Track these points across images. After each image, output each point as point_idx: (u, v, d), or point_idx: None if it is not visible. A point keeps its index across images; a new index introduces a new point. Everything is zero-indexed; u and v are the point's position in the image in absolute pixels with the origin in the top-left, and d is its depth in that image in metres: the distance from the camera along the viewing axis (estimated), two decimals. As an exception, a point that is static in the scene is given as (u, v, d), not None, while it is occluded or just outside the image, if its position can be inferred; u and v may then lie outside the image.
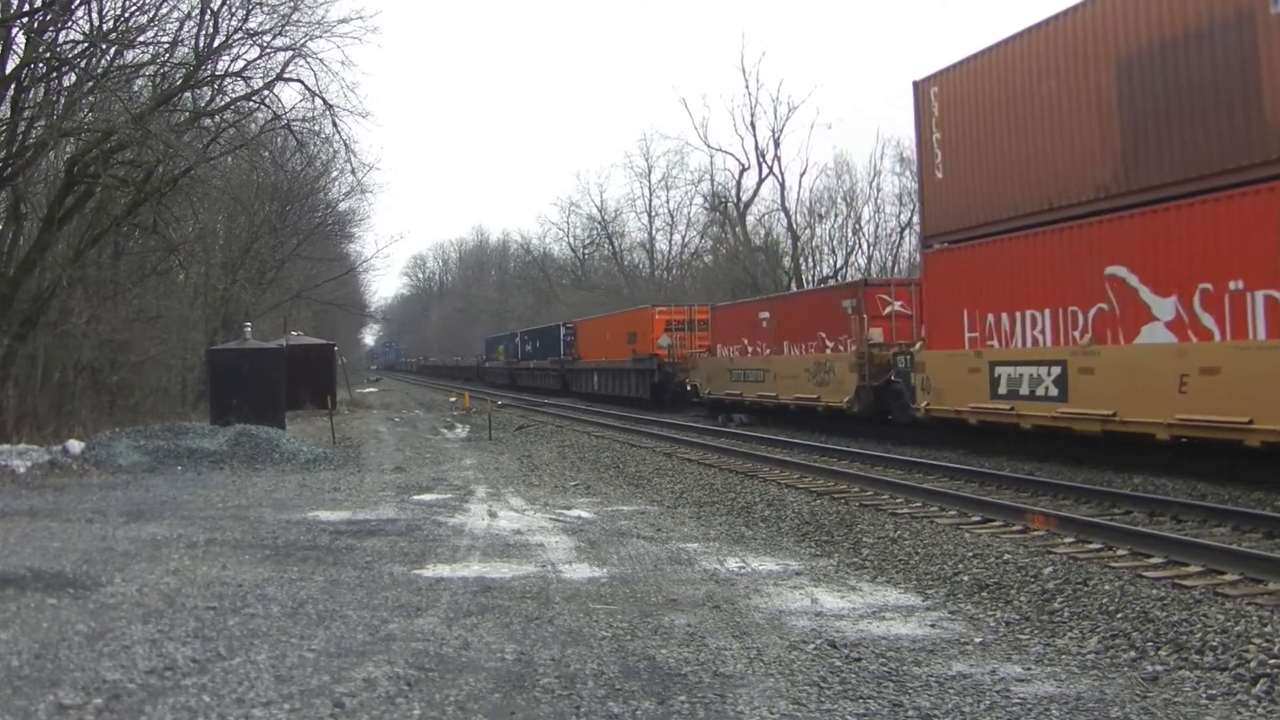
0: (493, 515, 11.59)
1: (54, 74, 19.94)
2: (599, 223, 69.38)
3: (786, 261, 49.26)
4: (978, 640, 6.30)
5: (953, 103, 17.41)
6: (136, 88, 21.44)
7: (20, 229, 21.04)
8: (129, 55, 20.71)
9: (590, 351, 42.19)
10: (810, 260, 48.80)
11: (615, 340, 37.60)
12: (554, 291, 72.91)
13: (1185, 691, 5.32)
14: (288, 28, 21.09)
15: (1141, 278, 13.44)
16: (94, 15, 19.91)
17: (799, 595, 7.54)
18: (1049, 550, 8.91)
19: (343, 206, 44.74)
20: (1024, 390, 15.42)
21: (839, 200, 48.91)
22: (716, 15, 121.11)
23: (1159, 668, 5.72)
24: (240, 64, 21.90)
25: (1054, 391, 14.83)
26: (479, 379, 70.34)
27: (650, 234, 64.94)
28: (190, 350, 29.44)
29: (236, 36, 21.09)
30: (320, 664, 5.72)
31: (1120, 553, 8.77)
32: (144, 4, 19.65)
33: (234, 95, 22.62)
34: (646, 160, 63.26)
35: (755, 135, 52.73)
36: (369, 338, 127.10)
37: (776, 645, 6.14)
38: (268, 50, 21.53)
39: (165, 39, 20.60)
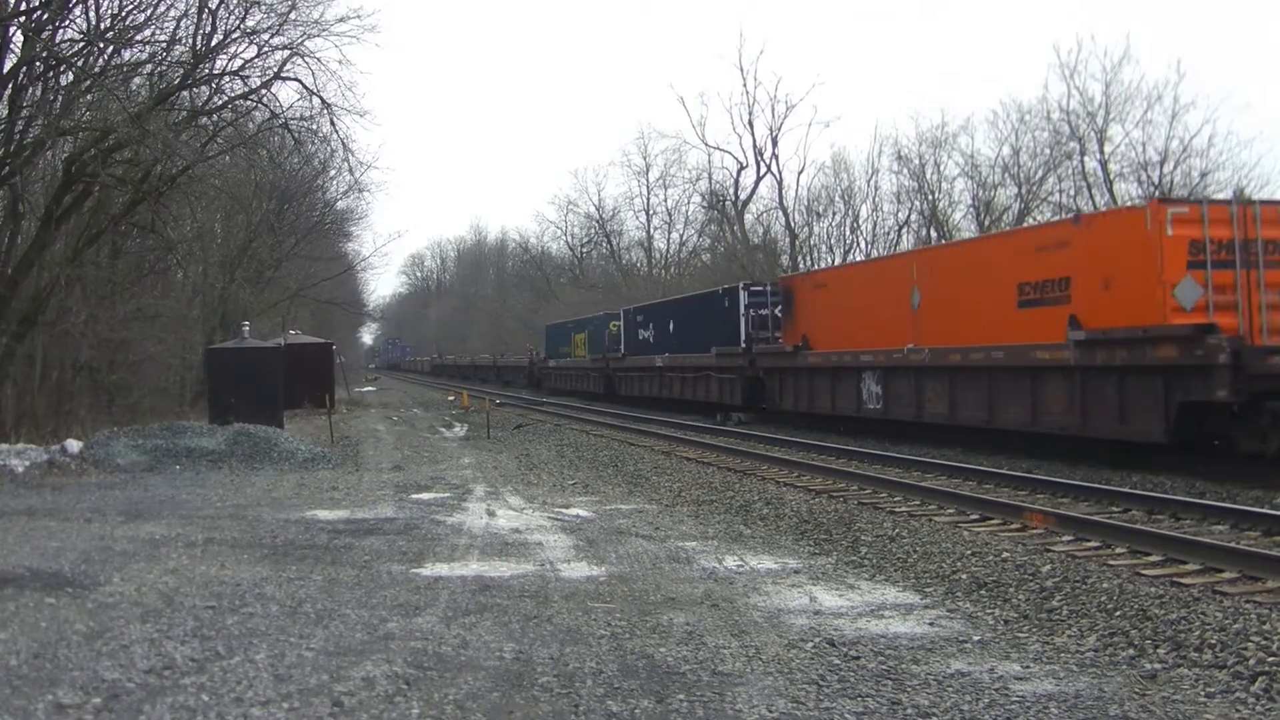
0: (491, 514, 11.59)
1: (51, 72, 19.89)
2: (597, 221, 69.28)
3: (785, 260, 49.22)
4: (976, 638, 6.30)
5: None
6: (134, 86, 21.37)
7: (18, 228, 21.00)
8: (126, 54, 20.66)
9: (836, 334, 21.63)
10: (809, 259, 48.73)
11: (959, 295, 17.69)
12: (552, 290, 72.85)
13: (1183, 689, 5.32)
14: (285, 27, 21.06)
15: None
16: (91, 14, 19.89)
17: (797, 593, 7.54)
18: (1047, 548, 8.91)
19: (341, 205, 44.65)
20: None
21: (837, 198, 48.85)
22: (714, 13, 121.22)
23: (1157, 665, 5.72)
24: (238, 63, 21.85)
25: None
26: (534, 385, 51.94)
27: (648, 232, 64.82)
28: (188, 349, 29.43)
29: (234, 35, 21.04)
30: (319, 663, 5.72)
31: (1119, 551, 8.77)
32: (141, 2, 19.63)
33: (232, 94, 22.57)
34: (644, 159, 62.89)
35: (753, 133, 52.56)
36: (367, 336, 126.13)
37: (775, 643, 6.14)
38: (265, 49, 21.49)
39: (163, 38, 20.56)
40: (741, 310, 26.90)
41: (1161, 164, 36.12)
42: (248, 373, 21.69)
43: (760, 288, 27.59)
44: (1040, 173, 40.42)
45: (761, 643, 6.15)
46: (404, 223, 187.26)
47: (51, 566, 8.48)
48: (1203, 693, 5.26)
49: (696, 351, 29.31)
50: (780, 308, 25.17)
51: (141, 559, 8.85)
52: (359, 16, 22.29)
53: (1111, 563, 8.27)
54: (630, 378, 36.43)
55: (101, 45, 19.65)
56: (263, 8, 20.74)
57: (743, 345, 26.33)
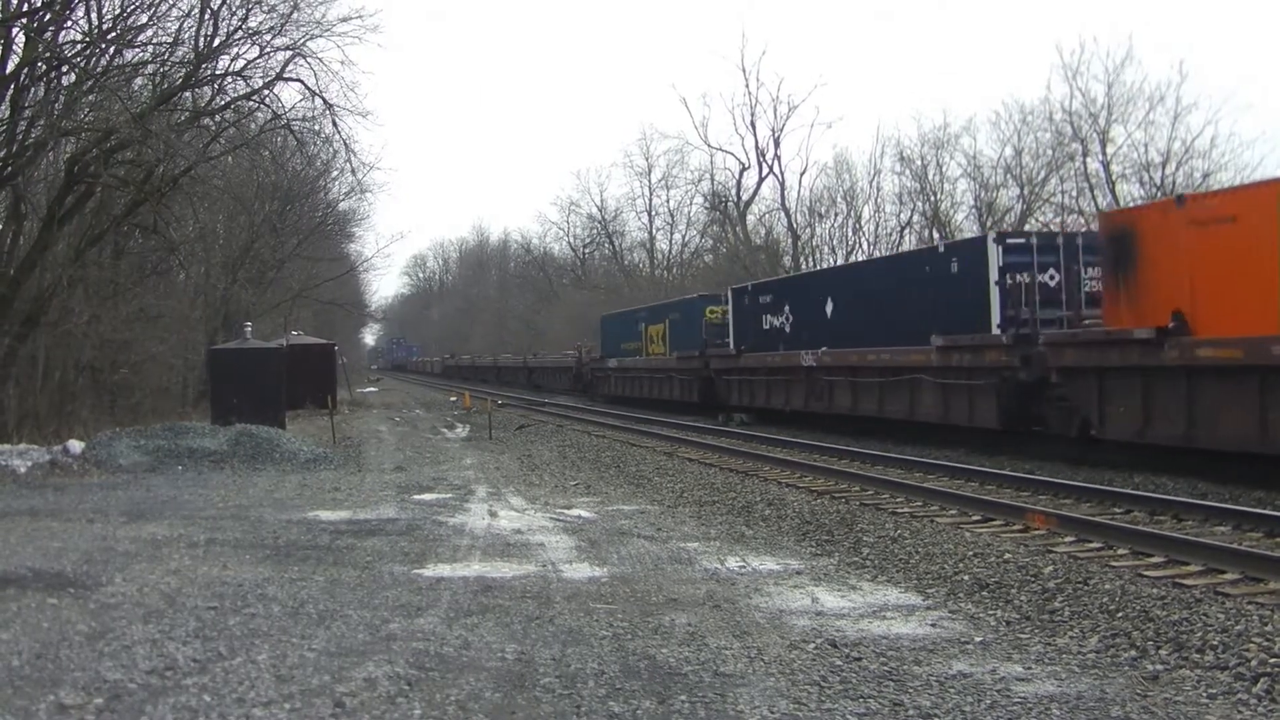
0: (493, 515, 11.59)
1: (54, 73, 19.93)
2: (599, 222, 69.39)
3: (787, 261, 49.23)
4: (978, 639, 6.30)
5: None
6: (136, 87, 21.42)
7: (20, 229, 21.03)
8: (129, 54, 20.70)
9: (1269, 303, 11.52)
10: (811, 260, 48.74)
11: None
12: (554, 291, 72.90)
13: (1186, 690, 5.32)
14: (287, 27, 21.09)
15: None
16: (94, 15, 19.94)
17: (799, 594, 7.54)
18: (1049, 549, 8.91)
19: (343, 206, 44.72)
20: None
21: (839, 199, 48.86)
22: (717, 14, 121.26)
23: (1159, 667, 5.72)
24: (240, 63, 21.90)
25: None
26: (584, 391, 43.31)
27: (650, 233, 64.90)
28: (191, 350, 29.44)
29: (236, 36, 21.08)
30: (321, 664, 5.72)
31: (1121, 552, 8.76)
32: (144, 3, 19.66)
33: (234, 94, 22.62)
34: (646, 159, 62.99)
35: (755, 134, 52.65)
36: (370, 337, 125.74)
37: (777, 644, 6.14)
38: (268, 50, 21.53)
39: (165, 38, 20.59)
40: (992, 275, 17.01)
41: (1164, 165, 36.07)
42: (250, 373, 21.73)
43: (1021, 240, 17.71)
44: (1042, 174, 40.37)
45: (763, 644, 6.15)
46: (406, 224, 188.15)
47: (54, 567, 8.48)
48: (1205, 694, 5.25)
49: (889, 344, 19.61)
50: (1086, 266, 16.37)
51: (144, 559, 8.85)
52: (361, 17, 22.30)
53: (1113, 564, 8.27)
54: (751, 383, 26.50)
55: (103, 46, 19.68)
56: (265, 8, 20.81)
57: (1000, 331, 16.67)
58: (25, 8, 19.12)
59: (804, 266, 46.64)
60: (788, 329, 24.68)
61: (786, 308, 24.97)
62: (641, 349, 35.48)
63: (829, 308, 22.85)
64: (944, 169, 44.50)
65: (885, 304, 20.39)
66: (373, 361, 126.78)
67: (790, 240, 50.37)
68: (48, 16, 18.88)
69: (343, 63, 42.77)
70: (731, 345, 27.65)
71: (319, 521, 11.08)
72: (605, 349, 40.79)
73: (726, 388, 27.98)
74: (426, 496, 13.36)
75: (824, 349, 22.16)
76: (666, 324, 33.14)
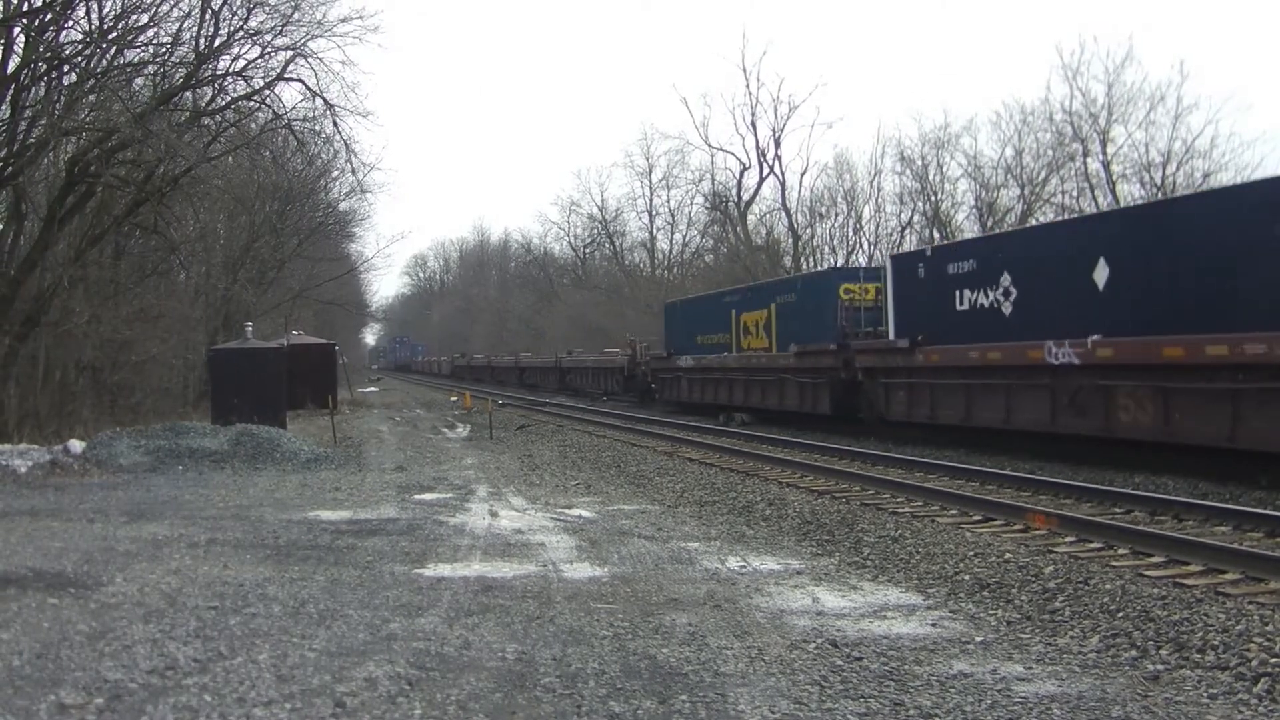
0: (494, 514, 11.59)
1: (54, 73, 19.97)
2: (600, 222, 69.39)
3: (787, 261, 49.22)
4: (979, 639, 6.30)
5: None
6: (137, 87, 21.47)
7: (21, 228, 21.08)
8: (129, 54, 20.74)
9: None
10: (811, 260, 48.73)
11: None
12: (555, 291, 72.92)
13: (1186, 690, 5.32)
14: (288, 27, 21.15)
15: None
16: (94, 15, 19.98)
17: (800, 594, 7.54)
18: (1050, 549, 8.91)
19: (343, 206, 44.81)
20: None
21: (839, 199, 48.86)
22: (717, 14, 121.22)
23: (1160, 667, 5.71)
24: (241, 63, 21.96)
25: None
26: (640, 396, 36.21)
27: (651, 233, 64.85)
28: (191, 350, 29.46)
29: (237, 36, 21.14)
30: (321, 663, 5.72)
31: (1121, 552, 8.76)
32: (144, 3, 19.68)
33: (235, 95, 22.68)
34: (647, 159, 63.07)
35: (756, 134, 52.68)
36: (370, 337, 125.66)
37: (777, 644, 6.14)
38: (268, 50, 21.59)
39: (166, 38, 20.64)
40: None
41: (1164, 165, 36.07)
42: (251, 373, 21.73)
43: None
44: (1043, 174, 40.39)
45: (764, 643, 6.15)
46: (407, 224, 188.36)
47: (54, 567, 8.48)
48: (1205, 694, 5.26)
49: (1258, 326, 12.10)
50: None
51: (144, 559, 8.85)
52: (361, 17, 22.38)
53: (1114, 564, 8.27)
54: (933, 388, 18.58)
55: (104, 46, 19.69)
56: (266, 8, 20.86)
57: None
58: (25, 8, 19.14)
59: (805, 267, 46.49)
60: (1007, 309, 16.92)
61: (1005, 278, 16.93)
62: (730, 343, 27.78)
63: (1101, 274, 14.87)
64: (945, 169, 44.53)
65: (1241, 263, 12.61)
66: (374, 361, 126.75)
67: (791, 240, 50.40)
68: (48, 16, 18.91)
69: (343, 63, 42.94)
70: (891, 334, 19.91)
71: (320, 521, 11.08)
72: (673, 344, 32.40)
73: (884, 395, 20.11)
74: (427, 496, 13.36)
75: (1095, 337, 14.64)
76: (772, 310, 25.33)
